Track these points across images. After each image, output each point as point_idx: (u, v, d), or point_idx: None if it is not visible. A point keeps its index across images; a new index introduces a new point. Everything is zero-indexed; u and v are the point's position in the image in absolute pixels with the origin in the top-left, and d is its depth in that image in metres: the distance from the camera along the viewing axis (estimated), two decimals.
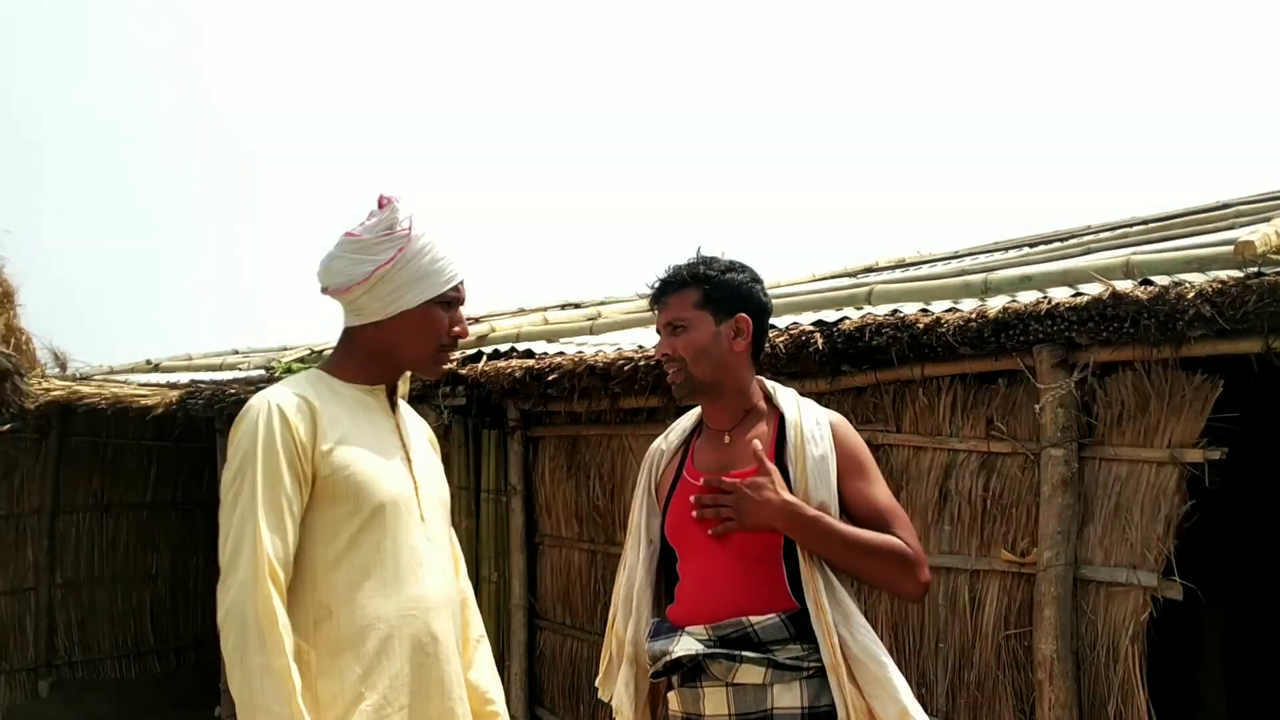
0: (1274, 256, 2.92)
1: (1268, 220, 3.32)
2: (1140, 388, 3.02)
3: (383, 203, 2.03)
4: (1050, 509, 3.10)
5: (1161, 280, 2.99)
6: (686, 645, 2.14)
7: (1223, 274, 2.90)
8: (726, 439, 2.30)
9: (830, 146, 25.73)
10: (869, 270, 7.33)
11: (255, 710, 1.76)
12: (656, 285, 2.34)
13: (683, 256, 2.36)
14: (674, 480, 2.33)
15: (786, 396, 2.33)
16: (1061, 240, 6.21)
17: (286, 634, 1.79)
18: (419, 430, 2.19)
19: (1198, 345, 2.90)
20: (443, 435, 4.88)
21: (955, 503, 3.38)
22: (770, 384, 2.36)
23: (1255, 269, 2.85)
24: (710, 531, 2.18)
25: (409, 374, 4.83)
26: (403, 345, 2.05)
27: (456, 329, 2.09)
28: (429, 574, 2.01)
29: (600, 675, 2.40)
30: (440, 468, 2.20)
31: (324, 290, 2.07)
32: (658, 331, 2.37)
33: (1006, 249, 6.70)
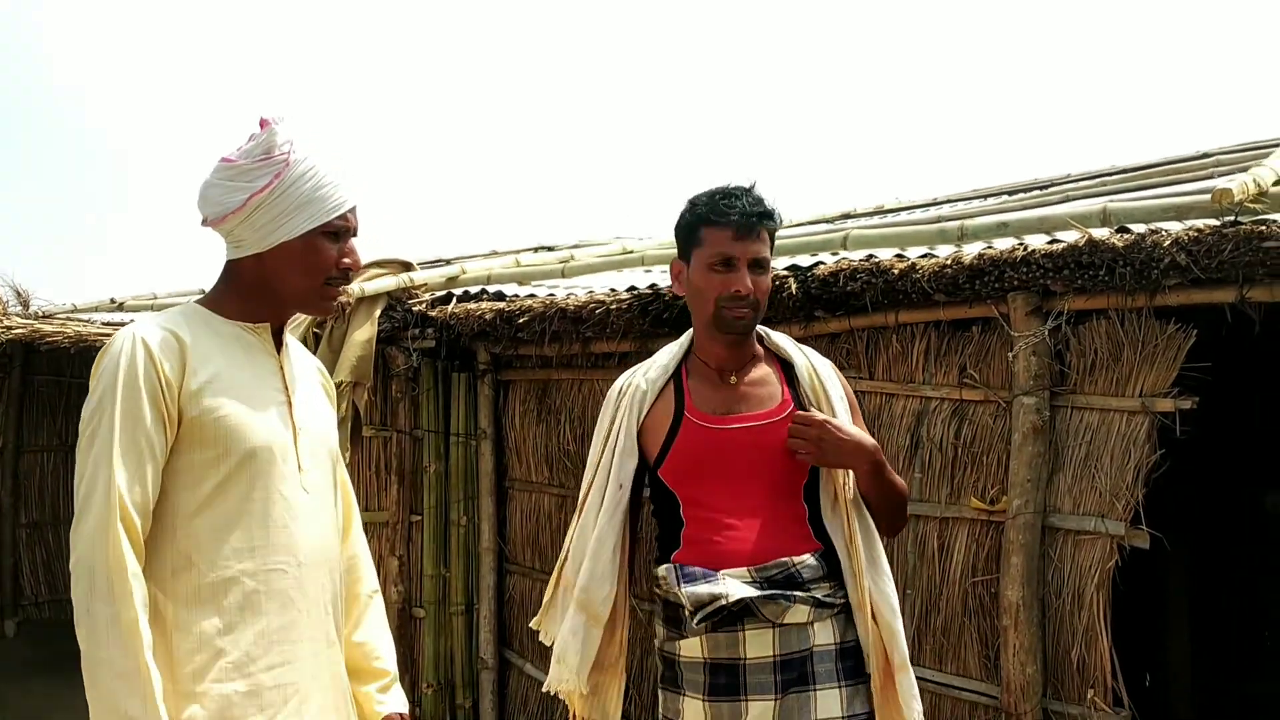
0: (1251, 205, 2.89)
1: (1246, 170, 3.28)
2: (1114, 336, 3.00)
3: (263, 124, 1.86)
4: (1021, 457, 3.09)
5: (1138, 228, 2.96)
6: (735, 588, 2.05)
7: (1199, 223, 2.87)
8: (733, 379, 2.23)
9: (811, 91, 25.53)
10: (846, 216, 7.27)
11: (99, 663, 1.64)
12: (754, 210, 2.14)
13: (741, 183, 2.19)
14: (673, 422, 2.22)
15: (783, 339, 2.32)
16: (1040, 188, 6.16)
17: (138, 584, 1.66)
18: (309, 373, 2.04)
19: (1172, 294, 2.88)
20: (411, 378, 4.83)
21: (926, 450, 3.37)
22: (761, 326, 2.32)
23: (1232, 217, 2.82)
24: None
25: (377, 315, 4.77)
26: (285, 279, 1.89)
27: (346, 261, 1.92)
28: (303, 526, 1.87)
29: (540, 614, 2.34)
30: (331, 413, 2.05)
31: (203, 221, 1.91)
32: (728, 263, 2.16)
33: (985, 196, 6.64)
